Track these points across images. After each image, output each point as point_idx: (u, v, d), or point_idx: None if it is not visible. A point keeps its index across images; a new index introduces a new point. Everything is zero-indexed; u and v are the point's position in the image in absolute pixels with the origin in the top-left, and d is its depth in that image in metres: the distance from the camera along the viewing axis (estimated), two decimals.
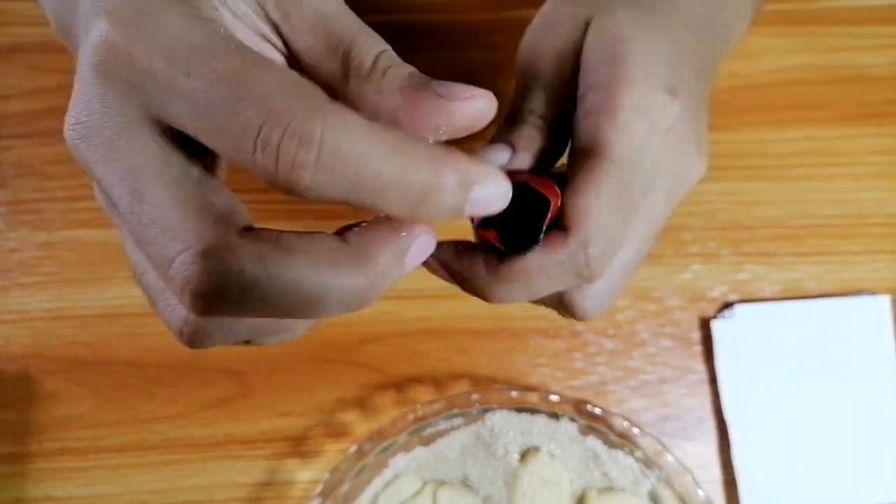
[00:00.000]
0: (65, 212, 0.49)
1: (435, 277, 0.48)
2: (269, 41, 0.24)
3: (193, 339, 0.23)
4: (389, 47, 0.24)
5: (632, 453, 0.43)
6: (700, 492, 0.41)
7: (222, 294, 0.20)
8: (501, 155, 0.28)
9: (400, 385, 0.47)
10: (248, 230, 0.22)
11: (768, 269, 0.48)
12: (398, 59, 0.24)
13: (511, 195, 0.23)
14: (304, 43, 0.24)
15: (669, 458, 0.42)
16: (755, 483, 0.45)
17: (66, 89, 0.52)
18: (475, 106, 0.23)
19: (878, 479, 0.45)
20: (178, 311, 0.23)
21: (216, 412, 0.46)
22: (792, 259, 0.48)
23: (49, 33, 0.53)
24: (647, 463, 0.43)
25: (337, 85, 0.24)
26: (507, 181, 0.22)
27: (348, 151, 0.19)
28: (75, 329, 0.47)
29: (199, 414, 0.46)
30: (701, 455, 0.46)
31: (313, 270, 0.20)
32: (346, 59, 0.23)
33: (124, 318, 0.48)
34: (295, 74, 0.21)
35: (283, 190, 0.20)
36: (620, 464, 0.43)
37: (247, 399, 0.47)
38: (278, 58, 0.25)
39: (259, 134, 0.19)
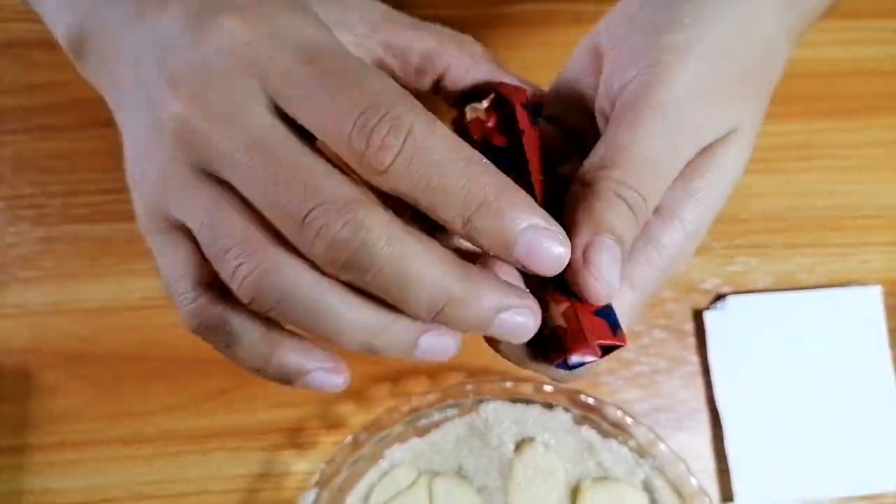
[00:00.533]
0: (63, 207, 0.49)
1: None
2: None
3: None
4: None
5: (626, 443, 0.43)
6: (693, 480, 0.42)
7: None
8: None
9: (395, 377, 0.47)
10: None
11: (761, 261, 0.49)
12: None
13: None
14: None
15: (663, 447, 0.42)
16: (748, 472, 0.45)
17: (62, 85, 0.53)
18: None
19: (871, 468, 0.46)
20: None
21: (213, 404, 0.47)
22: (784, 251, 0.49)
23: (45, 29, 0.53)
24: (641, 452, 0.43)
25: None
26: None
27: (430, 150, 0.21)
28: (73, 323, 0.48)
29: (196, 406, 0.47)
30: (694, 445, 0.46)
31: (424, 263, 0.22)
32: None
33: (122, 312, 0.48)
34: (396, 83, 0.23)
35: (364, 174, 0.21)
36: (614, 453, 0.43)
37: (243, 391, 0.47)
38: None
39: (361, 114, 0.21)
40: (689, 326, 0.48)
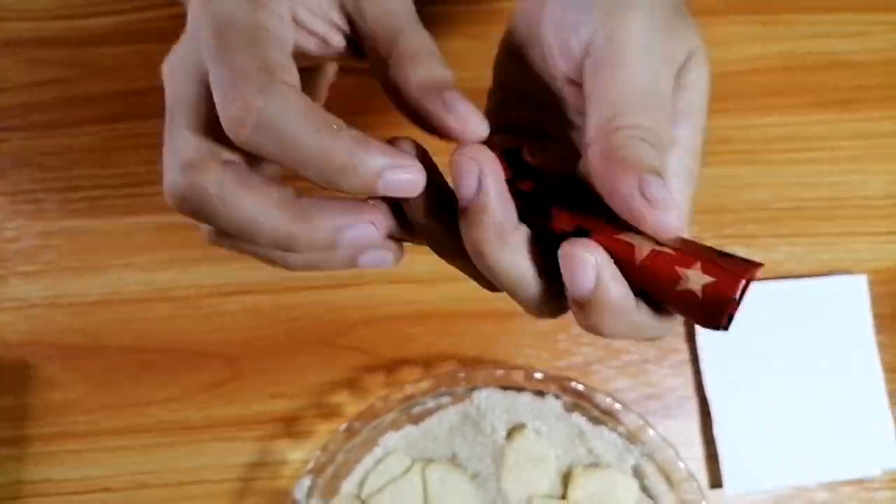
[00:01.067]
0: (62, 202, 0.50)
1: (419, 261, 0.49)
2: (335, 26, 0.28)
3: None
4: (435, 49, 0.28)
5: (615, 429, 0.44)
6: (682, 466, 0.42)
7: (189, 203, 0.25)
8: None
9: (389, 367, 0.48)
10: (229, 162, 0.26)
11: (749, 251, 0.49)
12: (436, 61, 0.27)
13: (423, 183, 0.25)
14: (370, 31, 0.27)
15: (652, 433, 0.43)
16: (736, 458, 0.46)
17: (61, 83, 0.54)
18: (468, 131, 0.25)
19: (857, 453, 0.46)
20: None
21: (209, 395, 0.47)
22: (773, 241, 0.50)
23: (46, 28, 0.54)
24: (631, 439, 0.44)
25: (384, 69, 0.27)
26: (420, 171, 0.25)
27: (280, 124, 0.23)
28: (72, 316, 0.49)
29: (192, 397, 0.47)
30: (683, 432, 0.47)
31: (256, 209, 0.25)
32: (393, 49, 0.27)
33: (119, 306, 0.49)
34: (275, 55, 0.25)
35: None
36: (605, 440, 0.44)
37: (239, 382, 0.48)
38: (340, 40, 0.29)
39: (224, 93, 0.24)
40: (679, 316, 0.49)
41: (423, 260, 0.49)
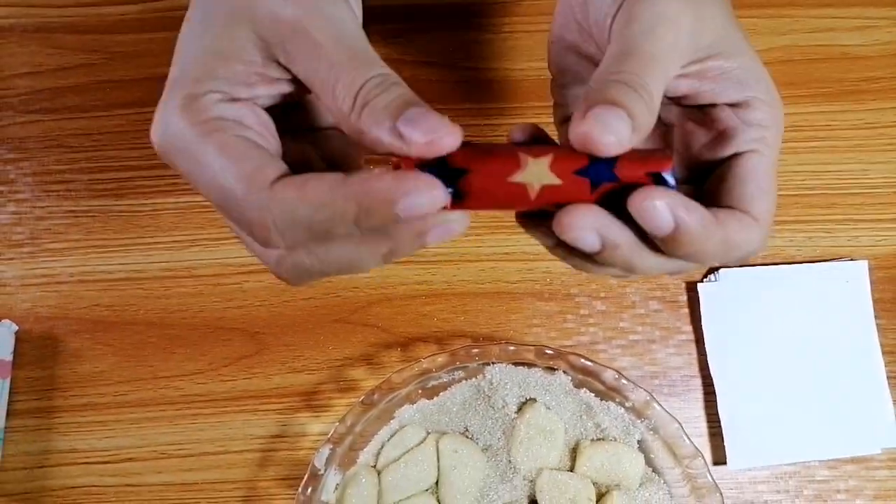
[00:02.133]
0: (90, 182, 0.52)
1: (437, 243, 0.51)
2: (280, 79, 0.28)
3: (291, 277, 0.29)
4: (372, 73, 0.26)
5: (622, 405, 0.46)
6: (686, 440, 0.44)
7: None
8: (624, 128, 0.27)
9: (405, 344, 0.50)
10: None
11: None
12: (377, 87, 0.26)
13: (443, 197, 0.25)
14: (308, 76, 0.27)
15: (658, 408, 0.45)
16: (739, 435, 0.48)
17: (89, 67, 0.55)
18: (436, 147, 0.25)
19: (857, 432, 0.48)
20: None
21: (232, 369, 0.49)
22: (775, 227, 0.51)
23: (74, 14, 0.56)
24: (637, 414, 0.46)
25: (337, 116, 0.27)
26: (429, 186, 0.25)
27: (290, 216, 0.25)
28: (99, 292, 0.50)
29: (216, 371, 0.49)
30: (687, 410, 0.49)
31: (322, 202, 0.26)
32: (335, 98, 0.26)
33: (145, 282, 0.50)
34: (249, 156, 0.26)
35: None
36: (612, 414, 0.46)
37: (261, 356, 0.49)
38: (289, 88, 0.28)
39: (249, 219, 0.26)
40: (683, 298, 0.50)
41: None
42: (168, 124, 0.27)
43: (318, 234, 0.26)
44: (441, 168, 0.25)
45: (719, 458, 0.48)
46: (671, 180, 0.27)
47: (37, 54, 0.54)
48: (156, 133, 0.27)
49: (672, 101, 0.32)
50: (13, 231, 0.51)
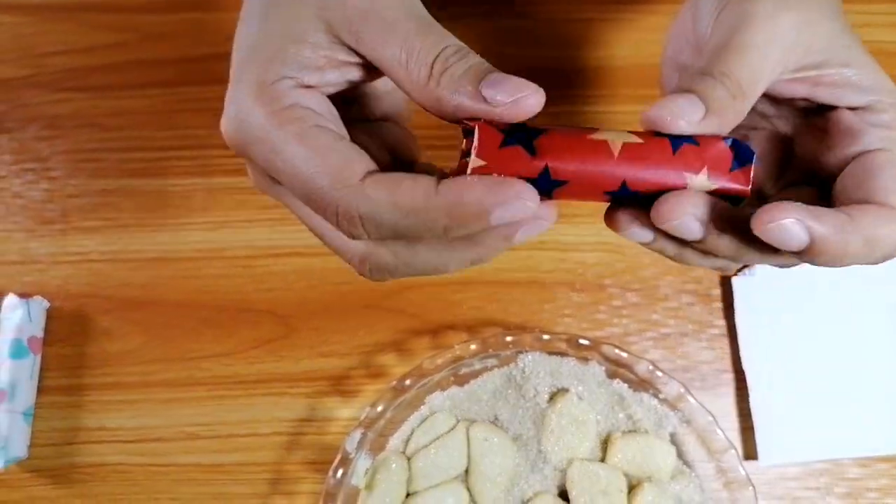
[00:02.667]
0: (121, 161, 0.52)
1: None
2: (347, 63, 0.28)
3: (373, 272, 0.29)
4: (447, 43, 0.26)
5: (655, 396, 0.45)
6: (720, 433, 0.44)
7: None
8: (696, 110, 0.28)
9: (435, 331, 0.49)
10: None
11: None
12: (454, 55, 0.26)
13: (534, 203, 0.25)
14: (378, 55, 0.27)
15: (692, 400, 0.44)
16: (771, 430, 0.47)
17: (122, 46, 0.55)
18: (523, 107, 0.25)
19: (889, 430, 0.47)
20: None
21: (261, 352, 0.49)
22: None
23: None
24: (670, 406, 0.45)
25: (411, 88, 0.27)
26: (519, 192, 0.25)
27: (379, 217, 0.25)
28: (129, 271, 0.50)
29: (245, 353, 0.49)
30: (718, 405, 0.48)
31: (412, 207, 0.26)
32: (409, 71, 0.26)
33: (175, 263, 0.50)
34: (332, 148, 0.26)
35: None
36: (644, 406, 0.45)
37: (290, 340, 0.49)
38: (357, 73, 0.28)
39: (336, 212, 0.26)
40: (717, 292, 0.50)
41: None
42: (242, 112, 0.26)
43: (405, 237, 0.26)
44: (521, 137, 0.25)
45: (750, 454, 0.48)
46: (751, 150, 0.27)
47: (70, 33, 0.54)
48: (229, 123, 0.27)
49: (791, 107, 0.33)
50: (45, 208, 0.51)
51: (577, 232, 0.51)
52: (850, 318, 0.49)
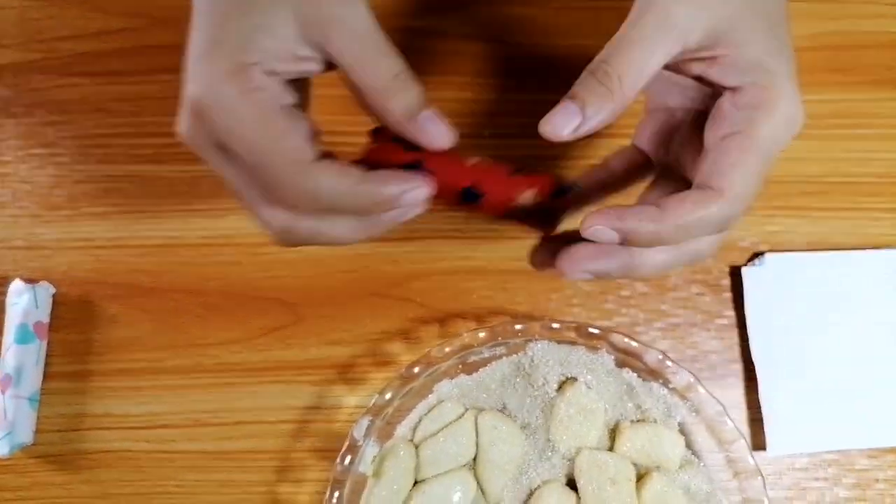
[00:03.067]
0: (129, 147, 0.51)
1: (476, 218, 0.51)
2: (307, 59, 0.33)
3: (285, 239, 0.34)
4: (403, 67, 0.33)
5: (665, 386, 0.45)
6: (729, 422, 0.44)
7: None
8: (572, 120, 0.33)
9: (443, 319, 0.49)
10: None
11: (798, 223, 0.50)
12: (407, 80, 0.33)
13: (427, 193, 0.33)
14: (338, 62, 0.32)
15: (701, 390, 0.44)
16: (780, 421, 0.47)
17: (131, 32, 0.55)
18: (439, 142, 0.33)
19: None
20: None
21: (268, 339, 0.49)
22: (821, 213, 0.51)
23: None
24: (679, 395, 0.45)
25: (360, 97, 0.33)
26: (423, 185, 0.33)
27: (321, 194, 0.32)
28: (136, 257, 0.50)
29: (253, 340, 0.49)
30: (728, 395, 0.48)
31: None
32: (370, 79, 0.32)
33: (183, 249, 0.50)
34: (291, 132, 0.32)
35: None
36: (654, 395, 0.45)
37: (298, 328, 0.49)
38: (314, 67, 0.33)
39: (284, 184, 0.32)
40: (726, 282, 0.50)
41: (477, 217, 0.51)
42: (215, 86, 0.31)
43: (334, 212, 0.33)
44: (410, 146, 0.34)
45: (759, 445, 0.48)
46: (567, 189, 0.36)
47: (79, 18, 0.53)
48: (198, 86, 0.31)
49: (700, 84, 0.35)
50: (52, 193, 0.51)
51: None
52: (860, 310, 0.49)
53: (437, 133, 0.33)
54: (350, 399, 0.48)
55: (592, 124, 0.32)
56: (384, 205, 0.32)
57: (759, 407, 0.47)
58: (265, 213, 0.33)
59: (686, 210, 0.32)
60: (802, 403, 0.47)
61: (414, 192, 0.33)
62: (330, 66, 0.33)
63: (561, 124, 0.32)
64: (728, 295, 0.50)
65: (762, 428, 0.47)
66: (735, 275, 0.50)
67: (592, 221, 0.32)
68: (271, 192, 0.32)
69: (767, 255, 0.49)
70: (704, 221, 0.32)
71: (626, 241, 0.33)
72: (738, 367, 0.49)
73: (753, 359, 0.48)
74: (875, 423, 0.47)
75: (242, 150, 0.31)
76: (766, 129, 0.32)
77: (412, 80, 0.33)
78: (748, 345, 0.48)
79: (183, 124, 0.33)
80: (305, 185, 0.31)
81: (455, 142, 0.33)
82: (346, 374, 0.49)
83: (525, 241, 0.51)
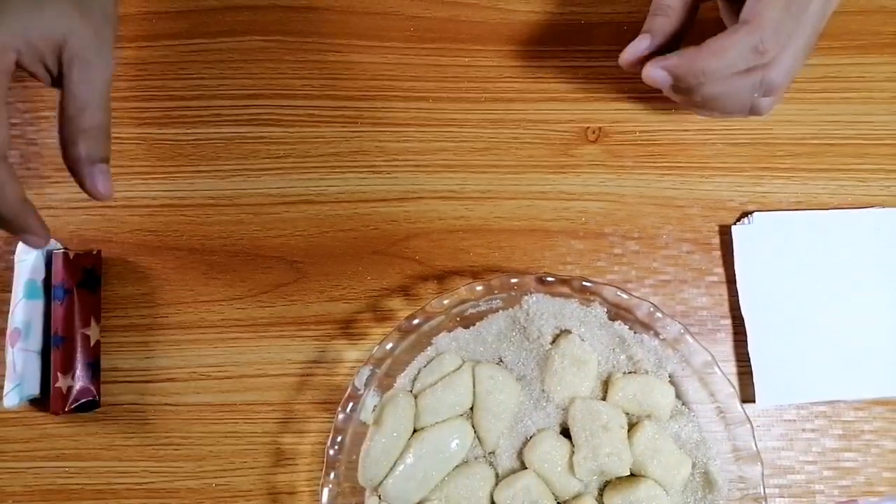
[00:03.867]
0: (134, 111, 0.53)
1: (475, 181, 0.52)
2: (48, 69, 0.38)
3: None
4: (106, 127, 0.39)
5: (656, 337, 0.47)
6: (717, 370, 0.45)
7: None
8: (643, 44, 0.45)
9: (441, 277, 0.51)
10: None
11: (786, 183, 0.52)
12: (102, 141, 0.39)
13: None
14: (68, 90, 0.38)
15: (690, 340, 0.46)
16: (769, 374, 0.48)
17: None
18: (98, 195, 0.40)
19: (884, 374, 0.49)
20: None
21: (271, 296, 0.50)
22: (809, 174, 0.52)
23: None
24: (670, 346, 0.47)
25: (64, 122, 0.38)
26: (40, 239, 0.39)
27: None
28: (142, 217, 0.51)
29: (256, 297, 0.50)
30: (717, 350, 0.50)
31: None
32: (78, 116, 0.38)
33: (188, 209, 0.51)
34: None
35: None
36: (645, 347, 0.47)
37: (300, 284, 0.50)
38: (45, 77, 0.38)
39: None
40: (716, 241, 0.51)
41: (475, 178, 0.52)
42: None
43: None
44: None
45: (747, 397, 0.49)
46: None
47: None
48: None
49: None
50: (59, 156, 0.52)
51: (579, 182, 0.52)
52: (847, 266, 0.50)
53: (100, 189, 0.39)
54: (351, 353, 0.50)
55: (656, 43, 0.45)
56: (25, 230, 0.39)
57: (748, 361, 0.49)
58: None
59: (718, 41, 0.40)
60: (790, 357, 0.49)
61: (30, 240, 0.39)
62: (52, 83, 0.39)
63: (636, 49, 0.45)
64: (717, 253, 0.51)
65: (751, 381, 0.49)
66: (725, 233, 0.51)
67: (646, 67, 0.43)
68: None
69: (756, 214, 0.50)
70: (737, 48, 0.40)
71: (676, 79, 0.42)
72: (727, 323, 0.50)
73: (743, 313, 0.49)
74: (861, 374, 0.49)
75: None
76: None
77: (107, 142, 0.39)
78: (737, 301, 0.50)
79: None
80: None
81: (109, 197, 0.40)
82: (347, 329, 0.50)
83: (521, 202, 0.52)
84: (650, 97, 0.52)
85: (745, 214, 0.51)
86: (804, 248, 0.50)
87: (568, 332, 0.47)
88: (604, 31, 0.54)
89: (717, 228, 0.51)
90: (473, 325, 0.48)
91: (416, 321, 0.46)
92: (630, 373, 0.47)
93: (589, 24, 0.54)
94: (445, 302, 0.46)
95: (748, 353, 0.49)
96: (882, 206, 0.51)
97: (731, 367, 0.50)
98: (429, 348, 0.47)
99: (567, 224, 0.51)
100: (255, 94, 0.53)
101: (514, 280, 0.47)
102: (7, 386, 0.47)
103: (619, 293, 0.46)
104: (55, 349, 0.47)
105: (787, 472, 0.49)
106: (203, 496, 0.48)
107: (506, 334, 0.48)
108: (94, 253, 0.50)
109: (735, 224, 0.51)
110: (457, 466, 0.46)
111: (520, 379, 0.47)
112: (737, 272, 0.50)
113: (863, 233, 0.50)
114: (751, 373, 0.49)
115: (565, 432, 0.46)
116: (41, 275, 0.49)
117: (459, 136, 0.52)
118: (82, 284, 0.49)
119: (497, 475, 0.46)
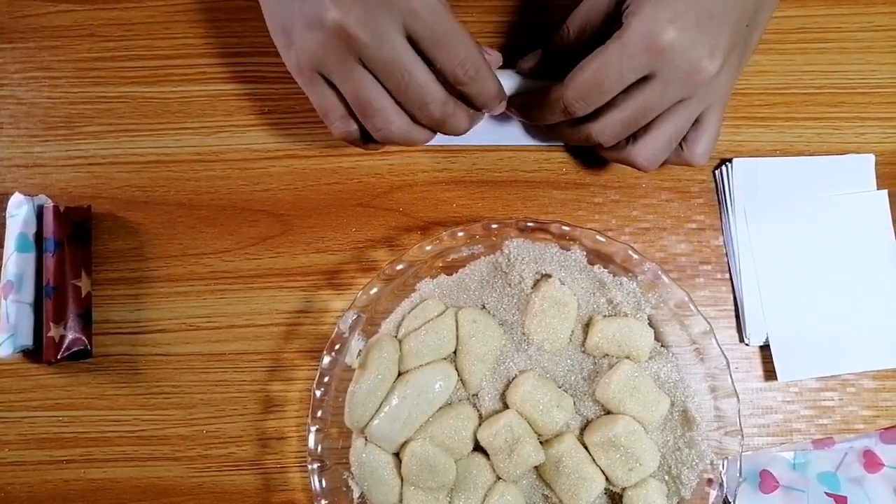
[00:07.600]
0: (122, 70, 0.53)
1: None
2: None
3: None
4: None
5: (634, 279, 0.48)
6: (692, 307, 0.46)
7: None
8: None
9: (424, 227, 0.52)
10: None
11: (763, 132, 0.53)
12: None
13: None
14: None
15: (666, 280, 0.47)
16: (787, 350, 0.50)
17: None
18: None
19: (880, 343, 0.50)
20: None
21: (259, 248, 0.51)
22: (785, 124, 0.53)
23: None
24: (648, 287, 0.48)
25: None
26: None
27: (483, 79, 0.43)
28: (130, 173, 0.52)
29: (243, 249, 0.51)
30: (696, 294, 0.51)
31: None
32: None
33: (175, 165, 0.52)
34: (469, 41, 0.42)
35: (456, 84, 0.43)
36: (624, 290, 0.48)
37: (286, 237, 0.51)
38: None
39: (460, 64, 0.42)
40: (696, 189, 0.52)
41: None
42: None
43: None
44: None
45: (725, 339, 0.50)
46: None
47: None
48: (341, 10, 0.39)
49: None
50: (49, 115, 0.53)
51: None
52: (826, 212, 0.51)
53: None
54: (337, 303, 0.51)
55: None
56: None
57: (727, 304, 0.50)
58: (391, 114, 0.42)
59: (589, 60, 0.41)
60: (806, 333, 0.50)
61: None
62: None
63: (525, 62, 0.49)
64: (697, 201, 0.52)
65: (732, 324, 0.50)
66: (703, 182, 0.52)
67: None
68: (422, 83, 0.41)
69: (736, 161, 0.51)
70: (608, 64, 0.41)
71: (566, 108, 0.43)
72: (707, 268, 0.51)
73: (728, 256, 0.50)
74: (874, 347, 0.50)
75: (427, 31, 0.39)
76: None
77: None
78: (716, 248, 0.51)
79: (316, 47, 0.40)
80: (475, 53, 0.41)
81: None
82: (333, 279, 0.51)
83: (503, 153, 0.53)
84: None
85: (724, 162, 0.52)
86: (783, 193, 0.51)
87: (548, 276, 0.48)
88: None
89: (696, 177, 0.52)
90: (456, 271, 0.49)
91: (399, 266, 0.47)
92: (610, 315, 0.48)
93: None
94: (428, 248, 0.47)
95: (734, 296, 0.51)
96: (857, 152, 0.52)
97: (710, 312, 0.51)
98: (413, 294, 0.48)
99: (549, 175, 0.52)
100: (239, 52, 0.53)
101: (494, 226, 0.48)
102: (0, 337, 0.48)
103: (597, 237, 0.47)
104: (47, 299, 0.48)
105: (767, 413, 0.50)
106: (194, 443, 0.50)
107: (488, 280, 0.49)
108: (85, 207, 0.51)
109: (716, 169, 0.52)
110: (441, 408, 0.47)
111: (502, 323, 0.48)
112: (729, 216, 0.51)
113: (838, 178, 0.51)
114: (732, 315, 0.50)
115: (546, 374, 0.47)
116: (32, 229, 0.50)
117: None
118: (73, 238, 0.50)
119: (480, 416, 0.47)
